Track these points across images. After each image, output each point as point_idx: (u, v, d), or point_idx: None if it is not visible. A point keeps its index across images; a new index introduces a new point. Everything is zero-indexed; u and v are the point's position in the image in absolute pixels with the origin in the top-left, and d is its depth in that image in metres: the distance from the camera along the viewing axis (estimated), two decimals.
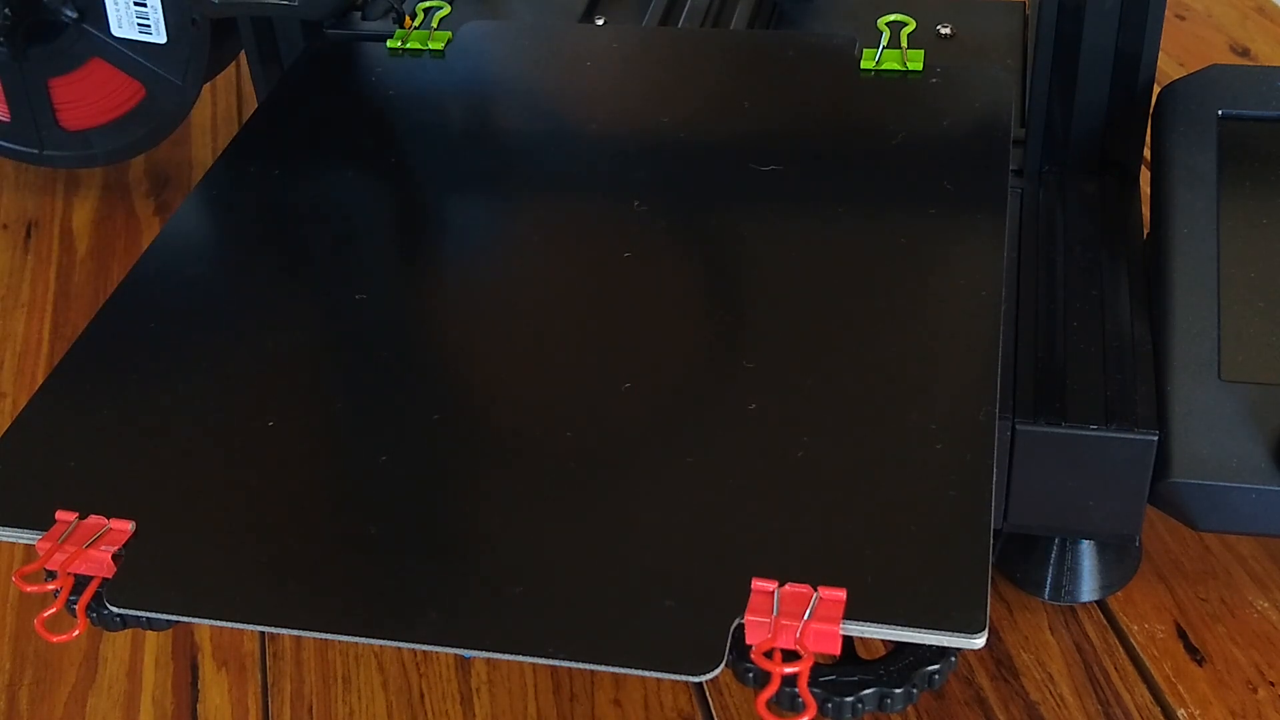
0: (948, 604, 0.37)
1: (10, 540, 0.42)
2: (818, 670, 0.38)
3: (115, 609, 0.40)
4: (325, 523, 0.42)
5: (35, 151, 0.81)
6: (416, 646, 0.38)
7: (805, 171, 0.54)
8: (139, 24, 0.74)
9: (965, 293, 0.47)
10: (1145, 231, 0.57)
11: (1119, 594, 0.56)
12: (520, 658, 0.37)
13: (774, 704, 0.36)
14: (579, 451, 0.43)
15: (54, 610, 0.41)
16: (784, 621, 0.37)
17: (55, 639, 0.41)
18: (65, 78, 0.77)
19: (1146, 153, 0.59)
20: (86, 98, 0.78)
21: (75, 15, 0.75)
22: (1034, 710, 0.52)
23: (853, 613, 0.37)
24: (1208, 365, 0.49)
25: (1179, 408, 0.48)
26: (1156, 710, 0.52)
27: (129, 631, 0.57)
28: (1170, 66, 0.92)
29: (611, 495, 0.42)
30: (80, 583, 0.40)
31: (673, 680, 0.53)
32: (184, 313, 0.50)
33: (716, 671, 0.36)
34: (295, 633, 0.39)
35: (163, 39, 0.74)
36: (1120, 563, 0.56)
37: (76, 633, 0.41)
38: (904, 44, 0.60)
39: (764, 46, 0.63)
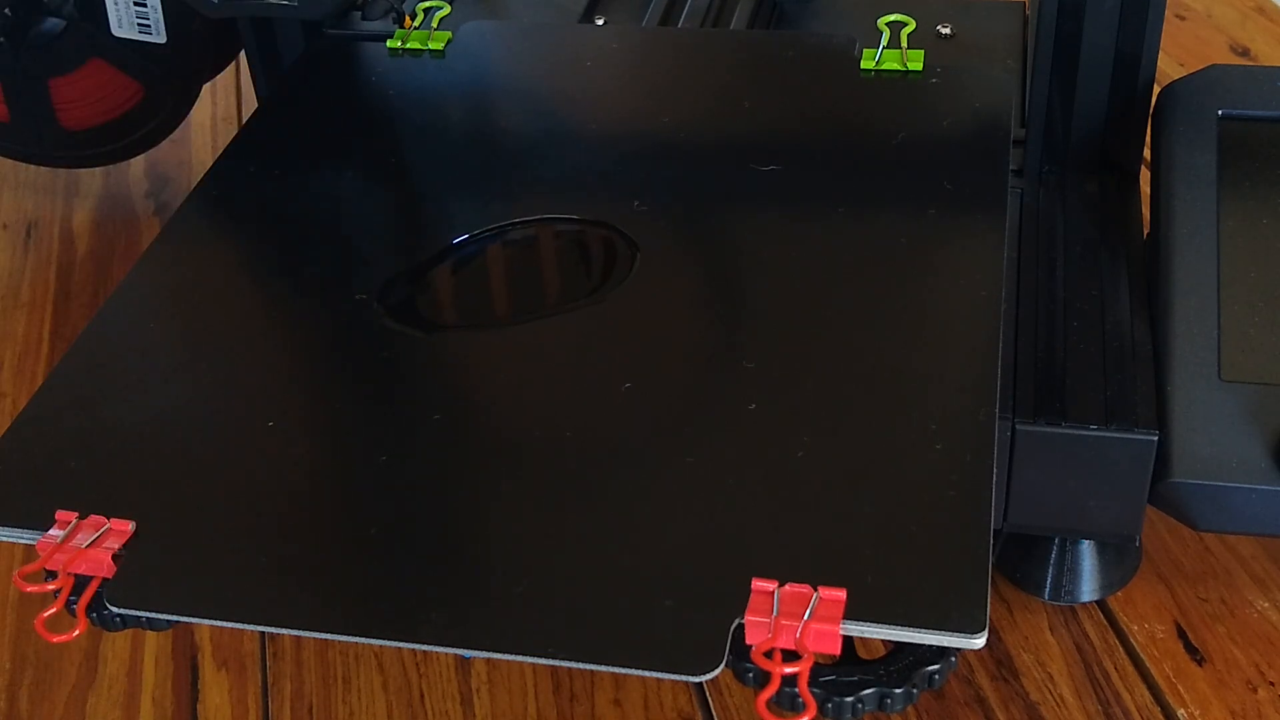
0: (948, 604, 0.37)
1: (10, 540, 0.42)
2: (818, 670, 0.38)
3: (115, 609, 0.40)
4: (325, 523, 0.42)
5: (35, 151, 0.81)
6: (417, 647, 0.38)
7: (805, 171, 0.54)
8: (139, 24, 0.74)
9: (965, 293, 0.47)
10: (1145, 231, 0.57)
11: (1119, 594, 0.56)
12: (520, 658, 0.37)
13: (774, 704, 0.36)
14: (579, 451, 0.43)
15: (54, 610, 0.40)
16: (784, 621, 0.37)
17: (55, 639, 0.41)
18: (65, 78, 0.77)
19: (1146, 153, 0.59)
20: (86, 98, 0.78)
21: (75, 15, 0.75)
22: (1034, 710, 0.52)
23: (853, 613, 0.37)
24: (1208, 365, 0.49)
25: (1179, 408, 0.48)
26: (1156, 710, 0.52)
27: (129, 631, 0.57)
28: (1170, 66, 0.92)
29: (611, 495, 0.42)
30: (80, 583, 0.40)
31: (673, 680, 0.53)
32: (184, 313, 0.50)
33: (716, 671, 0.36)
34: (295, 633, 0.39)
35: (163, 39, 0.74)
36: (1120, 563, 0.56)
37: (76, 633, 0.41)
38: (904, 44, 0.60)
39: (764, 46, 0.63)
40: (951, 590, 0.37)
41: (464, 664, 0.55)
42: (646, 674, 0.37)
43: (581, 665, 0.37)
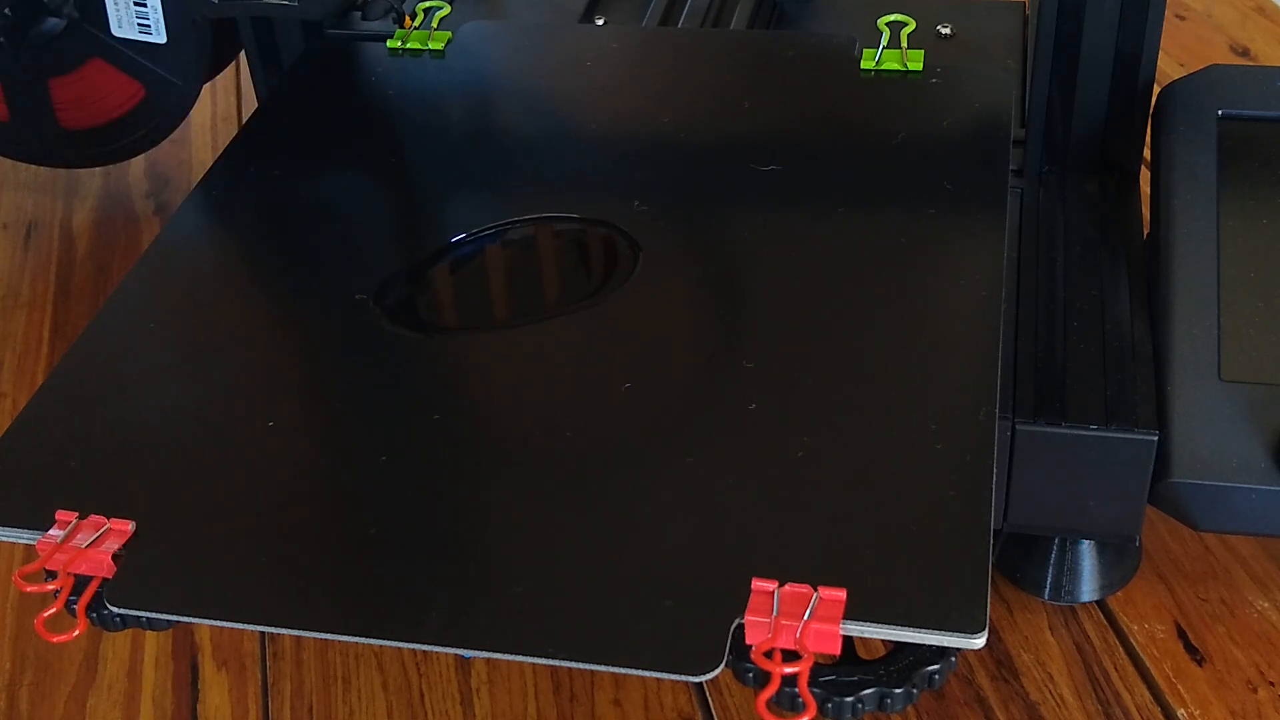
0: (948, 604, 0.37)
1: (10, 540, 0.42)
2: (818, 670, 0.38)
3: (115, 609, 0.40)
4: (325, 523, 0.42)
5: (35, 151, 0.81)
6: (417, 647, 0.38)
7: (805, 171, 0.54)
8: (139, 24, 0.74)
9: (965, 293, 0.47)
10: (1145, 231, 0.57)
11: (1119, 594, 0.56)
12: (520, 658, 0.37)
13: (774, 704, 0.36)
14: (579, 451, 0.43)
15: (54, 610, 0.41)
16: (784, 621, 0.37)
17: (55, 639, 0.41)
18: (65, 78, 0.77)
19: (1146, 153, 0.59)
20: (86, 98, 0.78)
21: (75, 15, 0.75)
22: (1034, 710, 0.52)
23: (853, 613, 0.37)
24: (1208, 365, 0.49)
25: (1179, 408, 0.48)
26: (1156, 710, 0.52)
27: (129, 631, 0.57)
28: (1170, 66, 0.92)
29: (611, 495, 0.42)
30: (80, 583, 0.40)
31: (673, 680, 0.53)
32: (184, 313, 0.50)
33: (716, 671, 0.36)
34: (295, 633, 0.39)
35: (163, 39, 0.74)
36: (1120, 563, 0.56)
37: (76, 633, 0.41)
38: (904, 44, 0.60)
39: (764, 46, 0.63)
40: (951, 590, 0.37)
41: (464, 664, 0.55)
42: (646, 674, 0.37)
43: (581, 665, 0.37)
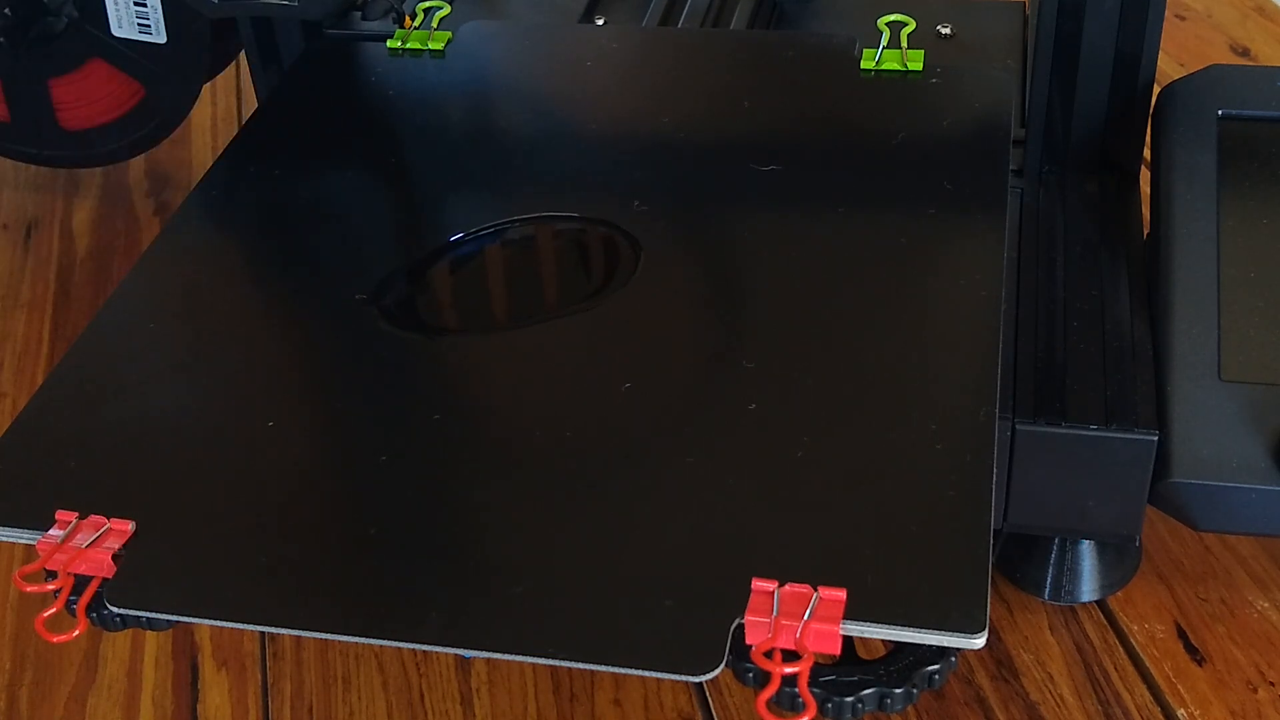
0: (948, 604, 0.37)
1: (10, 540, 0.42)
2: (818, 670, 0.38)
3: (115, 609, 0.40)
4: (325, 523, 0.42)
5: (35, 151, 0.81)
6: (417, 647, 0.38)
7: (805, 171, 0.54)
8: (139, 24, 0.74)
9: (965, 293, 0.47)
10: (1145, 231, 0.57)
11: (1119, 594, 0.56)
12: (520, 658, 0.37)
13: (774, 704, 0.36)
14: (579, 451, 0.43)
15: (54, 610, 0.41)
16: (784, 621, 0.37)
17: (55, 639, 0.41)
18: (65, 78, 0.77)
19: (1146, 153, 0.59)
20: (86, 98, 0.78)
21: (75, 15, 0.75)
22: (1034, 710, 0.52)
23: (853, 613, 0.37)
24: (1208, 365, 0.49)
25: (1179, 408, 0.48)
26: (1156, 710, 0.52)
27: (129, 631, 0.57)
28: (1170, 66, 0.92)
29: (611, 495, 0.42)
30: (80, 583, 0.40)
31: (673, 680, 0.53)
32: (184, 313, 0.50)
33: (716, 671, 0.36)
34: (295, 633, 0.39)
35: (163, 39, 0.74)
36: (1120, 563, 0.56)
37: (76, 633, 0.41)
38: (904, 44, 0.60)
39: (764, 46, 0.63)
40: (951, 590, 0.37)
41: (464, 664, 0.55)
42: (646, 674, 0.37)
43: (581, 665, 0.37)
